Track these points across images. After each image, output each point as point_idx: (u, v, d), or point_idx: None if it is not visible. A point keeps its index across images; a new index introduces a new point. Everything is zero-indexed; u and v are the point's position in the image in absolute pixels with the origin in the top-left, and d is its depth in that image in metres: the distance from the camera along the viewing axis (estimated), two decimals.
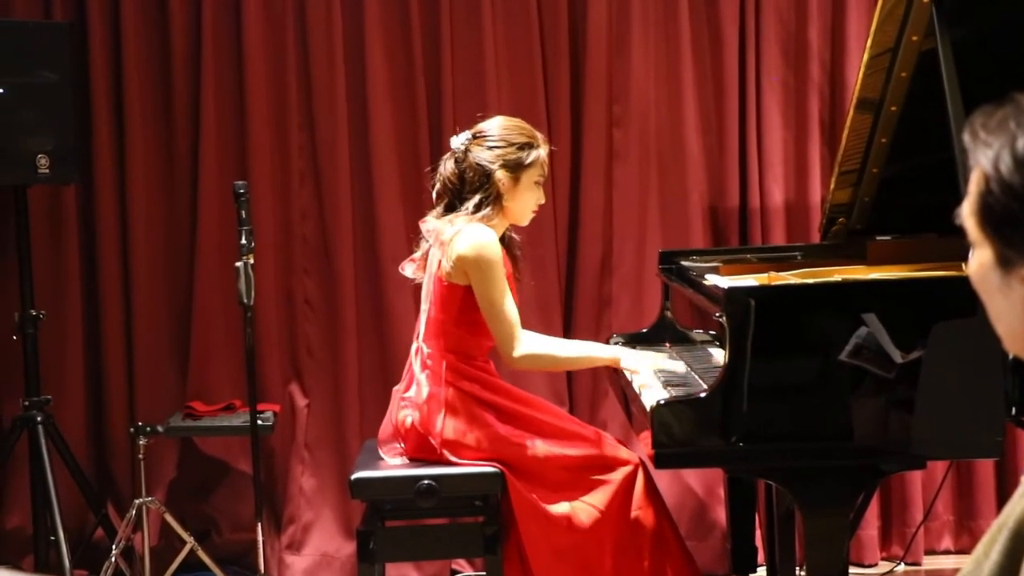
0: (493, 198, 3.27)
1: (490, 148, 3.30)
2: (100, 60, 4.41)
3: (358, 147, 4.46)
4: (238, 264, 3.76)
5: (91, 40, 4.40)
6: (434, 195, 3.39)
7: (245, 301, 3.76)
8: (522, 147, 3.31)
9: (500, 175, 3.28)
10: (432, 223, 3.33)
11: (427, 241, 3.34)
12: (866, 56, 3.39)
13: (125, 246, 4.46)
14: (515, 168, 3.29)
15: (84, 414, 4.49)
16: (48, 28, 4.18)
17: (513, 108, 4.37)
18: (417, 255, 3.41)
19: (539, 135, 3.39)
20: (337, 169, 4.44)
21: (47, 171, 4.06)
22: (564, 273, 4.53)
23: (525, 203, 3.35)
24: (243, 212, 3.78)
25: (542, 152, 3.34)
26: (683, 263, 3.86)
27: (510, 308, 3.23)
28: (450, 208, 3.32)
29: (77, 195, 4.45)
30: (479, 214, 3.26)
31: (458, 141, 3.35)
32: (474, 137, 3.34)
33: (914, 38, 3.32)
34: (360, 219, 4.47)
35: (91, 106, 4.40)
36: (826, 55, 4.53)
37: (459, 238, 3.23)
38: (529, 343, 3.27)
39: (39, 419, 4.09)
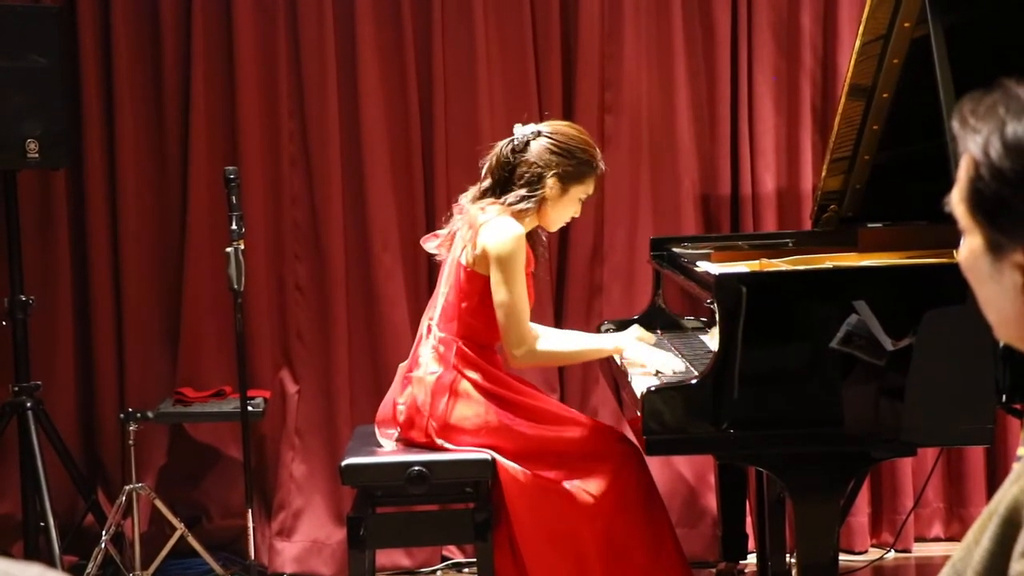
0: (537, 199, 3.26)
1: (552, 152, 3.27)
2: (90, 44, 4.39)
3: (349, 133, 4.45)
4: (228, 250, 3.75)
5: (81, 24, 4.38)
6: (483, 170, 3.35)
7: (236, 287, 3.75)
8: (582, 163, 3.30)
9: (551, 182, 3.26)
10: (467, 204, 3.32)
11: (457, 220, 3.32)
12: (858, 43, 3.38)
13: (115, 231, 4.44)
14: (567, 180, 3.28)
15: (74, 400, 4.47)
16: (38, 12, 4.16)
17: (504, 92, 4.37)
18: (444, 232, 3.40)
19: (599, 154, 3.35)
20: (328, 155, 4.43)
21: (36, 156, 4.04)
22: (555, 260, 4.51)
23: (563, 214, 3.35)
24: (233, 198, 3.78)
25: (597, 173, 3.34)
26: (674, 250, 3.85)
27: (522, 307, 3.21)
28: (491, 192, 3.30)
29: (67, 180, 4.43)
30: (515, 207, 3.24)
31: (523, 130, 3.31)
32: (540, 134, 3.30)
33: (906, 25, 3.32)
34: (351, 205, 4.46)
35: (81, 91, 4.38)
36: (818, 41, 4.51)
37: (488, 229, 3.20)
38: (535, 342, 3.26)
39: (29, 405, 4.08)
